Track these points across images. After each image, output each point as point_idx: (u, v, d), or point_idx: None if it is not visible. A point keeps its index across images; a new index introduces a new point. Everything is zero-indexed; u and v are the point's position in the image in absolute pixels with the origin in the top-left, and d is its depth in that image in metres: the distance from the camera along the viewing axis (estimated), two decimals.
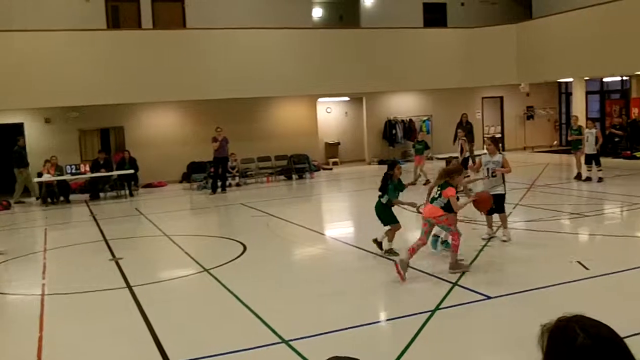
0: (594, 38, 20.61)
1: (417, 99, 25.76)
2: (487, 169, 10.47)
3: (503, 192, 10.50)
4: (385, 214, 10.05)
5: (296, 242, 11.96)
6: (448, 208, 8.55)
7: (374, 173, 22.47)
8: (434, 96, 25.67)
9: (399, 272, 8.29)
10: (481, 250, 9.85)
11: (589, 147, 16.65)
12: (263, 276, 9.34)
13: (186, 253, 10.99)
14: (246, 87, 20.82)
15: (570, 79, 24.40)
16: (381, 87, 23.75)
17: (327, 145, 24.99)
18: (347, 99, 25.08)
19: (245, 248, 10.95)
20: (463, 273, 8.47)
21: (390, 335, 6.91)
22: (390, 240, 9.96)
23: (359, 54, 22.81)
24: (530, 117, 27.57)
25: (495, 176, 10.36)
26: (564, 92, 27.96)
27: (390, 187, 9.91)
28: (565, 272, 8.40)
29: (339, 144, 25.18)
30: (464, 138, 17.63)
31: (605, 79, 25.52)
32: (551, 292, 7.63)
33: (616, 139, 22.31)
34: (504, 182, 10.52)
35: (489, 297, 7.49)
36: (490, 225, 10.67)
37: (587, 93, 25.03)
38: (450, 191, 8.51)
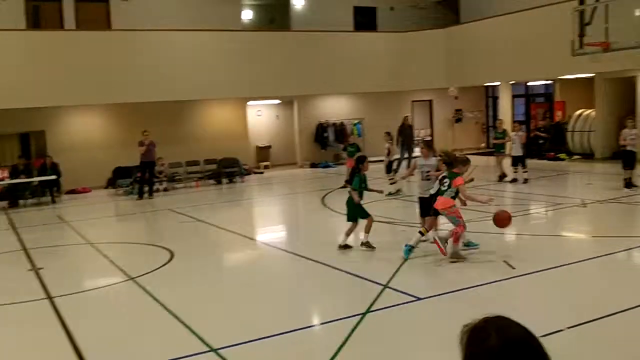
0: (520, 43, 21.08)
1: (348, 102, 25.81)
2: (422, 172, 10.50)
3: None
4: (357, 208, 10.14)
5: (226, 248, 11.72)
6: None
7: (305, 176, 22.42)
8: (365, 99, 25.76)
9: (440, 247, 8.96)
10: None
11: (515, 149, 16.96)
12: (191, 283, 9.10)
13: (111, 261, 10.60)
14: (174, 90, 20.41)
15: (497, 83, 24.90)
16: (312, 90, 23.69)
17: (258, 148, 24.74)
18: (278, 101, 24.91)
19: (172, 255, 10.63)
20: (394, 275, 8.42)
21: (321, 340, 6.81)
22: (367, 232, 10.07)
23: (290, 57, 22.68)
24: (458, 120, 28.00)
25: (429, 179, 10.36)
26: (491, 96, 28.51)
27: (357, 178, 10.14)
28: (492, 271, 8.48)
29: (270, 147, 24.97)
30: (390, 141, 17.67)
31: (530, 83, 26.12)
32: (479, 291, 7.68)
33: (540, 141, 22.82)
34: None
35: (419, 299, 7.46)
36: (435, 228, 10.61)
37: (513, 96, 25.62)
38: (459, 180, 8.88)
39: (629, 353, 5.76)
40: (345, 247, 10.21)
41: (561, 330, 6.18)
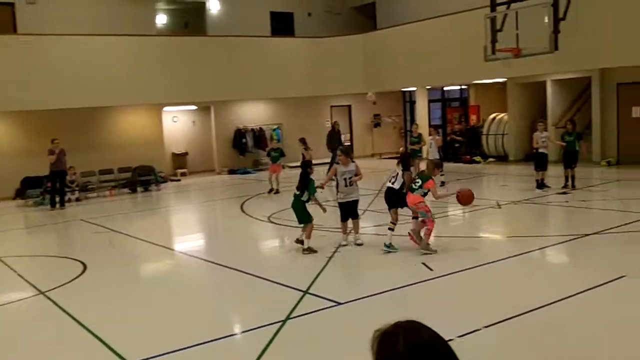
0: (435, 49, 21.46)
1: (267, 107, 25.65)
2: (344, 179, 10.54)
3: (357, 199, 10.70)
4: (304, 212, 10.34)
5: (142, 258, 11.34)
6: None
7: (224, 183, 22.12)
8: (283, 105, 25.68)
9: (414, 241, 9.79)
10: (331, 256, 9.75)
11: (432, 153, 17.15)
12: (105, 296, 8.75)
13: (19, 275, 10.07)
14: (85, 96, 19.72)
15: (414, 88, 25.30)
16: (229, 96, 23.41)
17: (174, 155, 24.24)
18: (194, 107, 24.49)
19: (85, 267, 10.22)
20: (314, 280, 8.34)
21: (241, 349, 6.66)
22: (308, 237, 10.21)
23: (206, 62, 22.35)
24: (377, 124, 28.29)
25: (352, 185, 10.50)
26: (408, 101, 28.95)
27: (312, 183, 10.38)
28: (411, 273, 8.51)
29: (186, 154, 24.50)
30: (305, 147, 17.59)
31: (445, 88, 26.66)
32: (398, 294, 7.70)
33: (456, 145, 23.32)
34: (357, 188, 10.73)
35: (339, 303, 7.39)
36: (345, 232, 10.67)
37: (430, 101, 26.11)
38: (431, 183, 9.66)
39: (546, 347, 5.84)
40: (309, 249, 10.20)
41: (478, 330, 6.23)
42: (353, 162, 10.73)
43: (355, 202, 10.61)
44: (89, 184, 20.35)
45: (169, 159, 24.11)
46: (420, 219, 9.98)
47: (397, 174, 10.21)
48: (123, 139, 22.06)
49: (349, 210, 10.48)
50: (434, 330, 1.87)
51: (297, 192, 10.45)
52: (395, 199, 10.19)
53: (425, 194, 9.77)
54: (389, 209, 10.25)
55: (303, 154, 17.36)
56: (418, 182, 9.79)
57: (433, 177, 9.84)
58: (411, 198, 9.84)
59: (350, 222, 10.67)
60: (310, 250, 10.15)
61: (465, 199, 10.03)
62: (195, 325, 7.25)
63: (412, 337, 1.83)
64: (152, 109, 22.98)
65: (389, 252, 9.89)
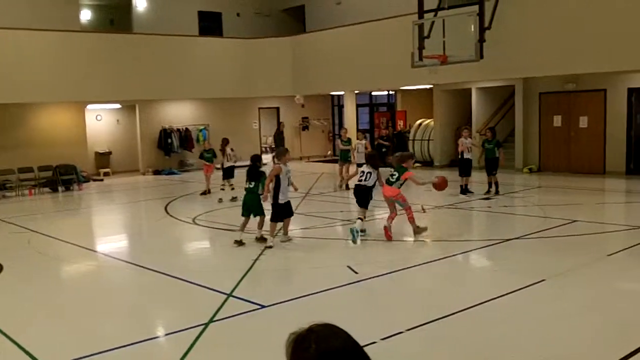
0: (363, 54, 21.63)
1: (193, 107, 25.29)
2: (288, 177, 10.74)
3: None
4: (258, 204, 10.72)
5: (62, 260, 10.92)
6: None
7: (148, 184, 21.66)
8: (210, 105, 25.38)
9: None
10: (257, 259, 9.64)
11: (359, 158, 17.25)
12: (23, 299, 8.41)
13: None
14: (4, 92, 18.97)
15: (342, 92, 25.41)
16: (155, 95, 22.97)
17: (98, 154, 23.61)
18: (118, 106, 23.92)
19: (2, 268, 9.81)
20: (238, 283, 8.21)
21: (162, 352, 6.49)
22: (259, 228, 10.77)
23: (131, 60, 21.87)
24: (305, 127, 28.32)
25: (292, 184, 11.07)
26: (337, 105, 29.10)
27: (263, 177, 10.74)
28: (336, 277, 8.48)
29: (110, 153, 23.92)
30: (231, 149, 17.37)
31: (373, 93, 26.91)
32: (323, 297, 7.66)
33: (384, 149, 23.51)
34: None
35: (263, 306, 7.29)
36: (273, 234, 10.59)
37: (358, 106, 26.27)
38: (409, 173, 10.67)
39: (468, 348, 5.89)
40: (260, 239, 10.67)
41: (402, 333, 6.24)
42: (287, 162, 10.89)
43: (290, 201, 10.87)
44: (7, 182, 19.55)
45: (92, 158, 23.48)
46: (399, 208, 10.78)
47: (366, 172, 10.95)
48: (44, 137, 21.34)
49: (286, 210, 10.68)
50: (348, 335, 1.88)
51: (251, 186, 10.74)
52: (364, 196, 10.91)
53: (401, 186, 10.70)
54: (360, 207, 10.95)
55: (227, 154, 17.06)
56: (395, 175, 10.70)
57: (408, 168, 10.81)
58: (389, 190, 10.68)
59: (278, 224, 10.73)
60: (262, 240, 10.58)
61: (440, 185, 11.03)
62: (115, 329, 7.06)
63: (323, 344, 1.83)
64: (75, 106, 22.32)
65: (358, 237, 10.45)
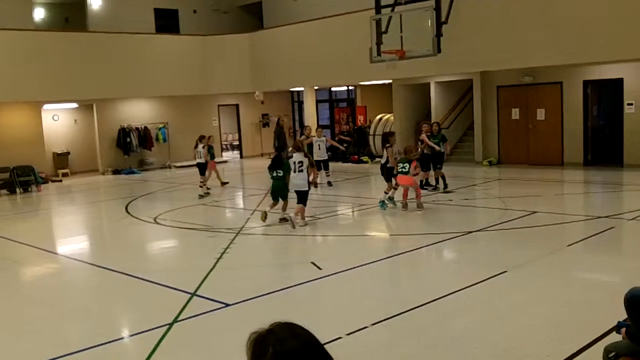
0: (322, 49, 21.63)
1: (152, 105, 25.00)
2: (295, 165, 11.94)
3: None
4: (284, 190, 11.95)
5: (21, 263, 10.67)
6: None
7: (108, 184, 21.37)
8: (169, 103, 25.13)
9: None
10: (220, 257, 9.58)
11: (321, 154, 17.23)
12: None
13: None
14: None
15: (302, 88, 25.38)
16: (112, 94, 22.65)
17: (56, 155, 23.19)
18: (75, 105, 23.51)
19: None
20: (202, 282, 8.15)
21: (125, 354, 6.43)
22: (284, 210, 12.06)
23: (87, 59, 21.54)
24: (265, 124, 28.21)
25: (302, 171, 11.95)
26: (297, 101, 29.05)
27: (286, 164, 11.90)
28: (300, 273, 8.49)
29: (68, 153, 23.50)
30: (203, 145, 17.23)
31: (333, 89, 26.92)
32: (287, 294, 7.66)
33: (345, 145, 23.57)
34: None
35: (227, 305, 7.24)
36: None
37: (318, 101, 26.26)
38: (414, 163, 12.78)
39: (433, 340, 5.94)
40: (285, 219, 11.89)
41: (366, 327, 6.26)
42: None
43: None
44: None
45: (50, 158, 23.06)
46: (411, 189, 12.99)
47: (384, 154, 13.54)
48: (0, 138, 20.87)
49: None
50: (308, 334, 1.89)
51: (279, 174, 11.82)
52: (386, 172, 13.34)
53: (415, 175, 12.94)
54: (387, 181, 13.40)
55: (201, 153, 16.88)
56: (406, 166, 12.57)
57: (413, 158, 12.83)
58: (406, 179, 12.71)
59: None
60: (287, 220, 11.63)
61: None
62: (77, 331, 6.97)
63: (280, 346, 1.83)
64: (30, 106, 21.90)
65: (387, 207, 12.84)
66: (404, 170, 12.65)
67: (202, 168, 16.81)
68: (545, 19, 16.31)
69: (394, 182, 13.20)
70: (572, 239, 9.94)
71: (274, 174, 11.92)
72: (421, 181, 15.55)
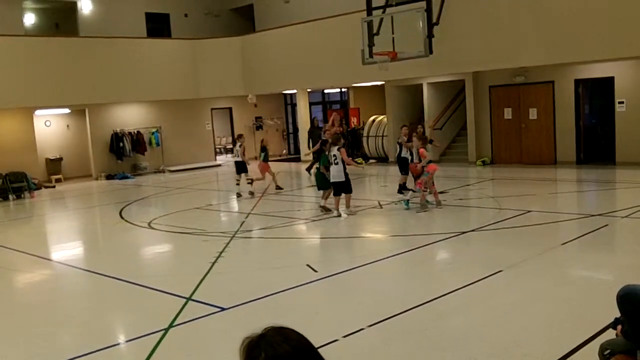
0: (314, 51, 21.65)
1: (144, 110, 24.96)
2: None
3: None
4: (324, 180, 12.99)
5: (14, 269, 10.62)
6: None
7: (101, 189, 21.31)
8: (162, 107, 25.09)
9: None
10: (215, 261, 9.56)
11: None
12: None
13: None
14: None
15: (294, 91, 25.39)
16: (104, 99, 22.62)
17: (48, 161, 23.14)
18: (68, 111, 23.46)
19: None
20: (197, 286, 8.13)
21: (123, 358, 6.36)
22: (325, 198, 13.09)
23: (78, 64, 21.51)
24: (259, 127, 28.19)
25: (337, 164, 12.74)
26: (290, 103, 29.04)
27: (324, 156, 12.96)
28: (296, 276, 8.47)
29: (61, 159, 23.45)
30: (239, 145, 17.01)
31: (326, 91, 26.93)
32: (283, 297, 7.63)
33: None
34: None
35: (223, 309, 7.23)
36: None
37: (311, 104, 26.27)
38: (421, 151, 13.06)
39: (430, 340, 5.94)
40: (325, 209, 13.01)
41: (363, 329, 6.26)
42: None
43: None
44: None
45: (43, 164, 22.99)
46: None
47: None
48: None
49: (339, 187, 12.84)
50: (300, 338, 1.90)
51: (318, 166, 13.17)
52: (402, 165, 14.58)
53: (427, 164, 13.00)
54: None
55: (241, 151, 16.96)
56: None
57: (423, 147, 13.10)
58: (434, 167, 13.20)
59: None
60: (326, 209, 12.89)
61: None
62: (73, 337, 6.94)
63: (272, 351, 1.85)
64: (22, 112, 21.83)
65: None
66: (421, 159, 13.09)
67: (239, 167, 16.88)
68: (536, 19, 16.37)
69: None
70: (566, 238, 9.97)
71: (316, 165, 13.37)
72: (399, 185, 15.30)
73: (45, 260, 11.28)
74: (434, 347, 5.90)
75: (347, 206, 12.87)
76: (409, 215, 12.78)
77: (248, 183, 16.61)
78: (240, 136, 17.48)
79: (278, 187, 17.04)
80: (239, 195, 16.30)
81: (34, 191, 20.34)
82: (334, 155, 12.60)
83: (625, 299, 4.30)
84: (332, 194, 13.03)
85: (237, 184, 16.82)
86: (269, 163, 17.26)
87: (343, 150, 12.78)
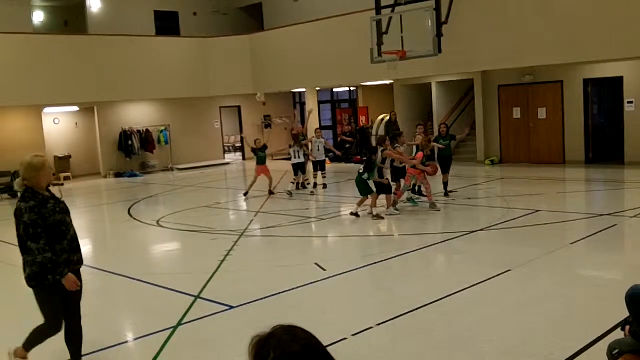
0: (323, 50, 21.65)
1: (153, 108, 25.00)
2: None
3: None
4: (366, 186, 12.53)
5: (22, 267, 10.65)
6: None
7: (110, 187, 21.37)
8: (170, 106, 25.12)
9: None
10: (223, 260, 9.58)
11: (318, 155, 17.04)
12: None
13: None
14: None
15: (303, 89, 25.39)
16: (113, 97, 22.68)
17: (57, 159, 23.18)
18: (76, 108, 23.53)
19: None
20: (206, 284, 8.15)
21: (131, 357, 6.45)
22: (373, 206, 12.46)
23: (87, 62, 21.58)
24: (268, 125, 28.20)
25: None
26: (299, 102, 29.03)
27: (375, 167, 12.55)
28: (304, 274, 8.48)
29: (70, 157, 23.51)
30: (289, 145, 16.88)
31: (335, 89, 26.91)
32: (292, 295, 7.64)
33: (347, 146, 23.58)
34: None
35: (231, 307, 7.25)
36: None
37: (320, 102, 26.27)
38: (419, 155, 13.03)
39: (438, 338, 5.94)
40: (357, 215, 12.54)
41: (371, 328, 6.27)
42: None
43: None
44: None
45: (52, 162, 22.93)
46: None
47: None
48: (0, 142, 20.86)
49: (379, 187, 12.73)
50: (310, 338, 1.89)
51: (361, 171, 12.54)
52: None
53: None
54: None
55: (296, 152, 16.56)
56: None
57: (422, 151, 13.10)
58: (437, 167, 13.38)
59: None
60: (378, 217, 12.29)
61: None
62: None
63: (280, 351, 1.84)
64: (31, 110, 21.88)
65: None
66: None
67: (297, 167, 16.47)
68: (544, 18, 16.32)
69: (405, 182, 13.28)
70: (574, 237, 9.94)
71: (359, 171, 12.79)
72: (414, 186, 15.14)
73: None
74: (443, 346, 5.90)
75: (388, 206, 12.75)
76: (416, 214, 12.77)
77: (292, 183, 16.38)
78: (296, 137, 16.84)
79: (271, 192, 16.22)
80: (289, 193, 15.99)
81: None
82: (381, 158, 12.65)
83: (634, 299, 4.29)
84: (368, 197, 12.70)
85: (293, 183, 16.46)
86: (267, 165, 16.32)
87: (388, 151, 12.71)
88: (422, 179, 13.11)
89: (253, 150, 16.25)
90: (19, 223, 5.22)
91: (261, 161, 16.10)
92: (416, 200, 13.60)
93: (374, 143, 23.18)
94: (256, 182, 16.25)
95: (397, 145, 13.30)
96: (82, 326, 5.67)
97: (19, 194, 5.35)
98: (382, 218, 12.31)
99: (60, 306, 5.43)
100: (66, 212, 5.57)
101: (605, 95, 19.91)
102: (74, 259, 5.56)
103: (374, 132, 23.76)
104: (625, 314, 4.51)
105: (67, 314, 5.52)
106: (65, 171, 23.20)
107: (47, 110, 22.69)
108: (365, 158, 13.65)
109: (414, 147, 14.26)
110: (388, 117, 23.42)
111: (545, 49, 16.45)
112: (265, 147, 16.45)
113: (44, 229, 5.24)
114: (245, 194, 16.21)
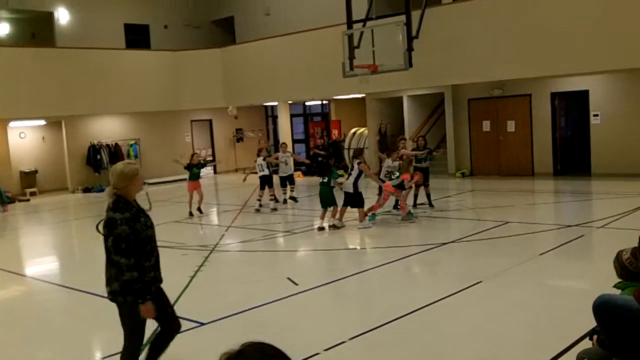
0: (295, 64, 21.67)
1: (123, 122, 24.77)
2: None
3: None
4: (331, 196, 12.68)
5: None
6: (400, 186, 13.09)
7: (78, 202, 21.08)
8: (140, 119, 24.92)
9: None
10: (194, 275, 9.48)
11: (284, 170, 16.92)
12: None
13: None
14: None
15: (275, 103, 25.37)
16: (82, 111, 22.40)
17: (23, 173, 22.81)
18: (43, 122, 23.20)
19: None
20: (176, 300, 8.03)
21: None
22: (340, 217, 12.57)
23: (55, 75, 21.32)
24: (240, 139, 28.11)
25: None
26: (271, 115, 29.00)
27: (334, 171, 12.93)
28: (277, 289, 8.41)
29: (36, 172, 23.13)
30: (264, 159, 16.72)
31: (307, 103, 26.94)
32: (264, 310, 7.56)
33: (319, 159, 23.56)
34: None
35: (202, 324, 7.15)
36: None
37: (292, 116, 26.27)
38: (406, 176, 12.95)
39: (410, 352, 5.92)
40: (322, 229, 12.53)
41: (344, 342, 6.23)
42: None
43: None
44: None
45: (17, 177, 22.69)
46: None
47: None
48: None
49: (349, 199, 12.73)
50: (280, 355, 1.86)
51: (324, 180, 12.69)
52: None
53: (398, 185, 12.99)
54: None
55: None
56: (396, 174, 12.97)
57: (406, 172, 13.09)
58: (390, 187, 12.98)
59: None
60: (334, 227, 12.42)
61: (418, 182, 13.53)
62: (50, 356, 6.83)
63: None
64: None
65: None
66: (392, 177, 13.13)
67: (263, 181, 16.14)
68: (513, 33, 16.53)
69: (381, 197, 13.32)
70: (544, 248, 10.02)
71: (322, 181, 12.86)
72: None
73: (18, 275, 11.07)
74: (416, 358, 5.88)
75: (361, 220, 12.69)
76: (388, 226, 12.78)
77: (271, 199, 16.27)
78: (260, 150, 16.74)
79: (191, 213, 15.68)
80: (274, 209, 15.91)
81: (7, 205, 20.02)
82: (352, 167, 12.73)
83: (601, 309, 4.32)
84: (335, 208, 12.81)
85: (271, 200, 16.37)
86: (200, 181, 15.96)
87: (364, 165, 12.75)
88: (398, 193, 13.22)
89: (187, 166, 15.82)
90: (109, 234, 5.03)
91: (194, 177, 15.71)
92: (414, 215, 13.31)
93: (346, 156, 23.31)
94: (192, 198, 15.84)
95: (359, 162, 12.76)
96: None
97: (107, 204, 5.10)
98: (338, 228, 12.46)
99: (143, 322, 5.30)
100: (153, 227, 5.36)
101: (572, 108, 20.21)
102: (160, 277, 5.46)
103: (346, 145, 23.83)
104: (593, 323, 4.53)
105: (165, 317, 5.59)
106: (32, 186, 22.81)
107: (12, 124, 22.34)
108: (325, 164, 13.90)
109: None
110: (362, 130, 23.51)
111: (512, 63, 16.66)
112: (201, 164, 16.13)
113: (136, 244, 5.04)
114: (191, 214, 15.67)
